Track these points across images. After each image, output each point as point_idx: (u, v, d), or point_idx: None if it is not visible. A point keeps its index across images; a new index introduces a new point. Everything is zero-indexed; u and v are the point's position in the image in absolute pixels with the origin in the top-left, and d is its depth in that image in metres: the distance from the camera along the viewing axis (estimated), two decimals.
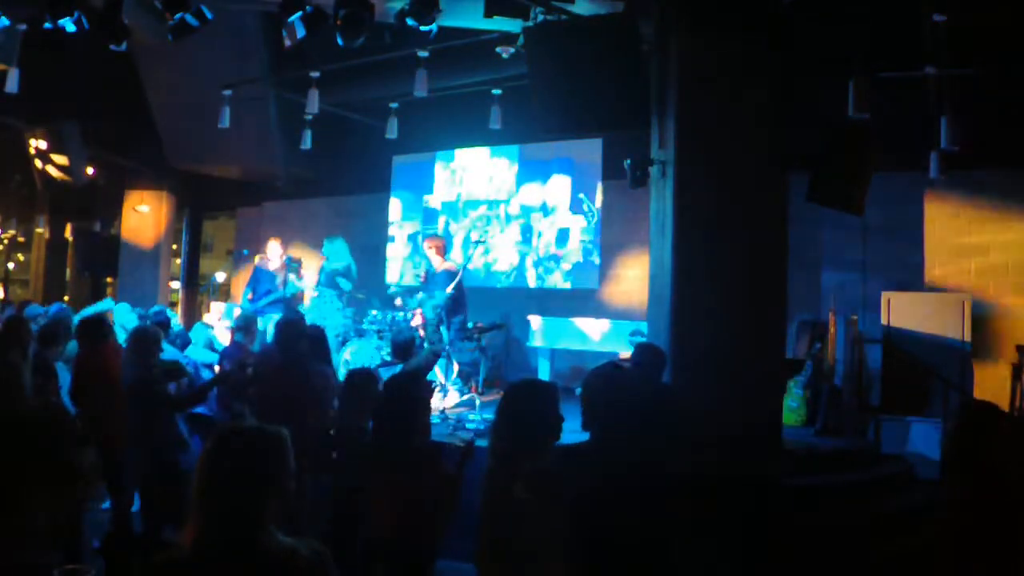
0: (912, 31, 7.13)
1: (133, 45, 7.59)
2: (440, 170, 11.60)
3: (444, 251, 8.37)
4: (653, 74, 5.52)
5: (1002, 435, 2.72)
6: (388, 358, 5.94)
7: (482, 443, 3.51)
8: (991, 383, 7.52)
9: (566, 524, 2.54)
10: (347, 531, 3.77)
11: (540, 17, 5.59)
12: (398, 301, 8.75)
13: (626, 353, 6.83)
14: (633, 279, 9.69)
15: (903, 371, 7.76)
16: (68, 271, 16.06)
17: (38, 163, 10.48)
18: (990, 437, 2.70)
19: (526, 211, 10.82)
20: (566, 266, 10.45)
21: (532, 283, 10.65)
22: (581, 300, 10.13)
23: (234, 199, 14.08)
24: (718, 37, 5.15)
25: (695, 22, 5.23)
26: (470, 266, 9.17)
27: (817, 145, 5.46)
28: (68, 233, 15.89)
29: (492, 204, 11.10)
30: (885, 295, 8.04)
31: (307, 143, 9.99)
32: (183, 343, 7.17)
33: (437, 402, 7.19)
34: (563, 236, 10.52)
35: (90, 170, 11.11)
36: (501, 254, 10.93)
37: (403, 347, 5.89)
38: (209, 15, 5.97)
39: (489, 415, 6.10)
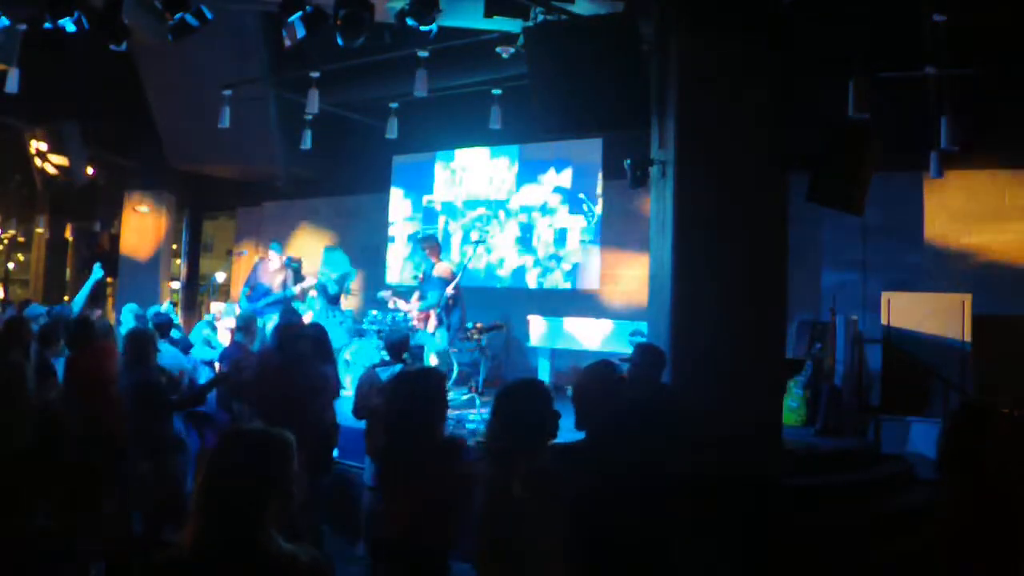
0: (912, 31, 7.13)
1: (133, 45, 7.59)
2: (440, 170, 11.60)
3: (438, 253, 8.38)
4: (653, 74, 5.51)
5: (999, 434, 2.72)
6: (388, 358, 5.95)
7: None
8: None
9: (565, 523, 2.54)
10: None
11: (540, 17, 5.59)
12: (387, 294, 8.74)
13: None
14: (633, 279, 9.69)
15: (903, 371, 7.76)
16: (68, 271, 16.05)
17: (38, 162, 10.48)
18: (987, 436, 2.70)
19: (526, 211, 10.82)
20: (566, 266, 10.45)
21: (532, 283, 10.65)
22: (581, 300, 10.13)
23: (234, 199, 14.08)
24: (718, 37, 5.15)
25: (695, 22, 5.22)
26: (470, 266, 9.17)
27: (817, 145, 5.45)
28: (68, 233, 15.89)
29: (492, 204, 11.10)
30: (885, 295, 8.04)
31: (307, 143, 9.99)
32: (184, 346, 7.17)
33: None
34: (563, 236, 10.52)
35: (90, 170, 11.11)
36: (501, 254, 10.93)
37: (397, 346, 5.90)
38: (209, 15, 5.97)
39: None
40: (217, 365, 6.84)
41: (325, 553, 1.97)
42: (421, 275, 8.47)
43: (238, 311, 8.33)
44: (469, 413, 7.13)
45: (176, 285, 15.71)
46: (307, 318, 8.97)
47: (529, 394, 3.04)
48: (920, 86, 7.50)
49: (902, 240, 8.73)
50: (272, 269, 9.12)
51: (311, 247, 11.87)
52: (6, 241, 21.82)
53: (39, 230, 15.68)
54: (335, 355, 6.39)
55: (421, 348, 7.77)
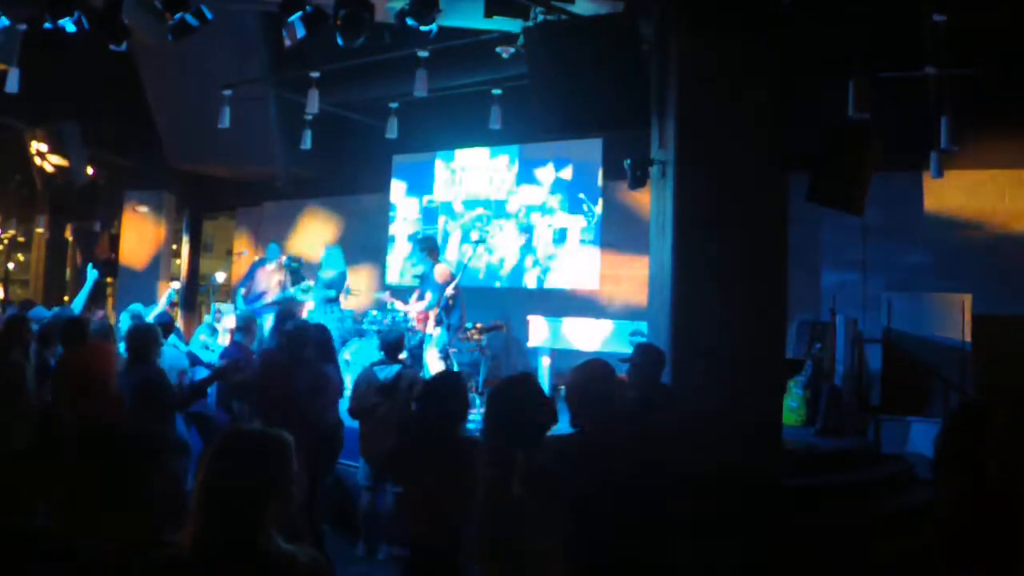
0: (912, 31, 7.13)
1: (133, 45, 7.60)
2: (440, 170, 11.60)
3: (437, 254, 8.37)
4: (653, 74, 5.51)
5: (999, 434, 2.72)
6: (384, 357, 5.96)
7: None
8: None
9: (565, 523, 2.54)
10: None
11: (540, 17, 5.59)
12: (386, 295, 8.75)
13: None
14: (633, 279, 9.68)
15: (903, 371, 7.76)
16: (68, 271, 16.05)
17: (37, 162, 10.47)
18: (986, 436, 2.70)
19: (526, 211, 10.82)
20: (566, 266, 10.45)
21: (532, 283, 10.65)
22: (581, 300, 10.13)
23: (234, 199, 14.08)
24: (718, 37, 5.15)
25: (695, 22, 5.22)
26: (470, 265, 9.17)
27: (817, 145, 5.45)
28: (68, 233, 15.89)
29: (492, 204, 11.10)
30: (885, 295, 8.04)
31: (307, 143, 9.99)
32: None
33: None
34: (562, 236, 10.52)
35: (90, 170, 11.11)
36: (501, 254, 10.93)
37: (393, 346, 5.91)
38: (209, 15, 5.97)
39: None
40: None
41: (325, 553, 1.97)
42: (420, 276, 8.47)
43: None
44: (470, 413, 7.11)
45: (176, 285, 15.69)
46: (307, 307, 8.99)
47: (519, 390, 3.03)
48: (920, 86, 7.50)
49: (902, 240, 8.73)
50: (269, 270, 9.12)
51: (311, 247, 11.87)
52: (6, 241, 21.82)
53: (39, 230, 15.67)
54: (337, 354, 6.40)
55: (420, 348, 7.78)
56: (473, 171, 11.33)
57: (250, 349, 6.41)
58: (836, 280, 8.90)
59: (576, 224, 10.42)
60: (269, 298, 8.86)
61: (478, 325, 8.49)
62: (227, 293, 13.44)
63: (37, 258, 16.26)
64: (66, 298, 14.46)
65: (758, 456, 4.80)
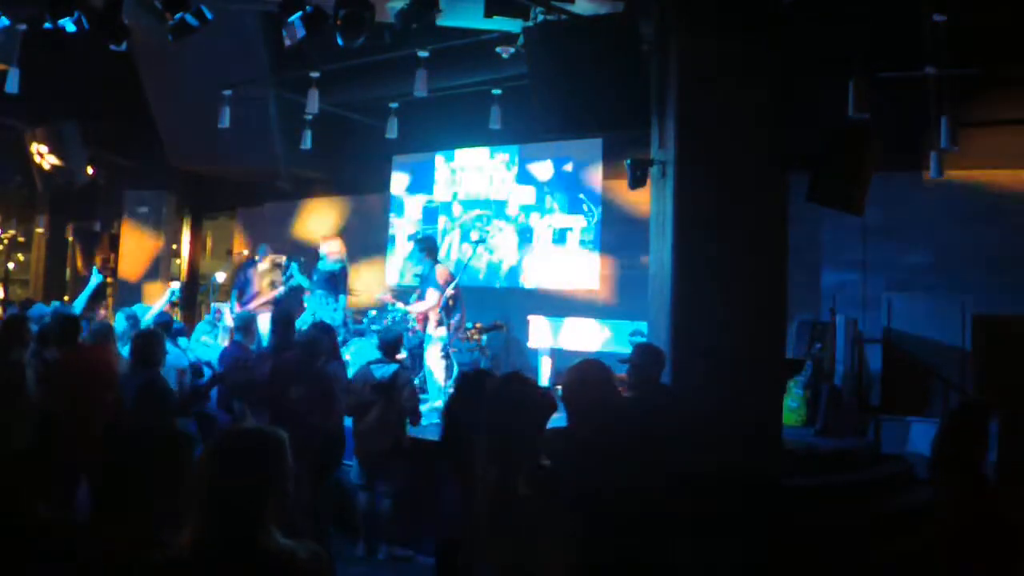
0: (912, 31, 7.13)
1: (133, 45, 7.59)
2: (440, 170, 11.60)
3: (436, 254, 8.37)
4: (653, 74, 5.51)
5: (997, 434, 2.72)
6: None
7: None
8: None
9: (568, 522, 2.54)
10: None
11: (540, 17, 5.59)
12: (388, 296, 8.75)
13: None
14: (633, 279, 9.68)
15: (903, 371, 7.76)
16: (68, 271, 16.05)
17: (37, 161, 10.48)
18: (984, 436, 2.70)
19: (525, 211, 10.82)
20: (566, 266, 10.45)
21: (531, 283, 10.65)
22: (581, 300, 10.13)
23: (234, 199, 14.07)
24: (718, 37, 5.15)
25: (695, 22, 5.22)
26: (471, 265, 9.17)
27: (817, 145, 5.46)
28: (68, 233, 15.88)
29: (491, 204, 11.10)
30: (885, 295, 8.04)
31: (307, 143, 10.00)
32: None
33: (440, 403, 7.20)
34: (562, 236, 10.51)
35: (90, 170, 11.11)
36: (500, 254, 10.93)
37: (390, 345, 5.91)
38: (209, 15, 5.98)
39: None
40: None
41: (324, 549, 1.97)
42: (420, 276, 8.46)
43: (239, 308, 8.34)
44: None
45: (176, 285, 15.69)
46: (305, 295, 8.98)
47: (514, 388, 3.02)
48: (920, 86, 7.50)
49: (902, 240, 8.73)
50: (261, 270, 9.12)
51: (310, 247, 11.86)
52: (6, 241, 21.80)
53: (39, 230, 15.67)
54: (340, 351, 6.40)
55: (421, 348, 7.78)
56: (473, 171, 11.32)
57: (250, 349, 6.41)
58: (836, 280, 8.89)
59: (576, 224, 10.42)
60: (261, 299, 8.85)
61: (478, 325, 8.50)
62: (227, 293, 13.42)
63: (37, 258, 16.25)
64: (66, 298, 14.46)
65: (758, 456, 4.80)
